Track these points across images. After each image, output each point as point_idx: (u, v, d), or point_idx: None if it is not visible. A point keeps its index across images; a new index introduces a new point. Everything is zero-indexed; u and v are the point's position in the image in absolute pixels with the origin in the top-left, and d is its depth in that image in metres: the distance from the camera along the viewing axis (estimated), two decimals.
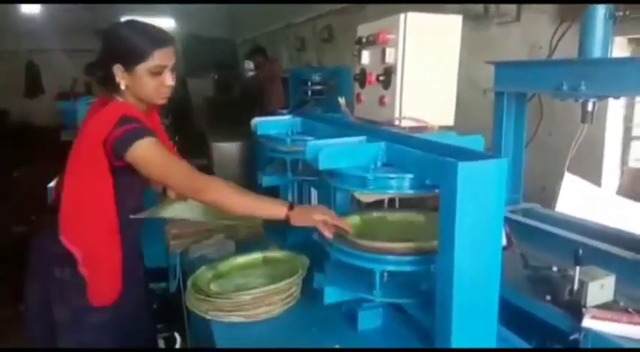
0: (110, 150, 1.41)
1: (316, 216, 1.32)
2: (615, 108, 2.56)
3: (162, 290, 2.37)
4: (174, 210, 1.79)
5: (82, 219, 1.48)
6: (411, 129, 1.56)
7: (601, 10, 1.61)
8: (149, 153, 1.40)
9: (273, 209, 1.42)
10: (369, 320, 1.32)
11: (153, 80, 1.46)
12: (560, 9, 2.55)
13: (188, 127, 6.15)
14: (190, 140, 5.57)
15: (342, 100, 1.83)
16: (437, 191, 1.06)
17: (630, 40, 2.47)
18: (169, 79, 1.49)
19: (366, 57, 1.76)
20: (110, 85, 1.49)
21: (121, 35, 1.46)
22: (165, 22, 9.26)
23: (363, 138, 1.31)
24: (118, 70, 1.45)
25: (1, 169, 5.67)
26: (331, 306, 1.32)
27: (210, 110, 6.25)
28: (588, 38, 1.64)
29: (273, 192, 2.10)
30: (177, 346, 2.16)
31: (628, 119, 2.60)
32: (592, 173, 2.48)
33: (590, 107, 1.66)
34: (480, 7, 3.08)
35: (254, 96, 5.00)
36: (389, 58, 1.60)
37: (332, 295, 1.28)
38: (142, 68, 1.44)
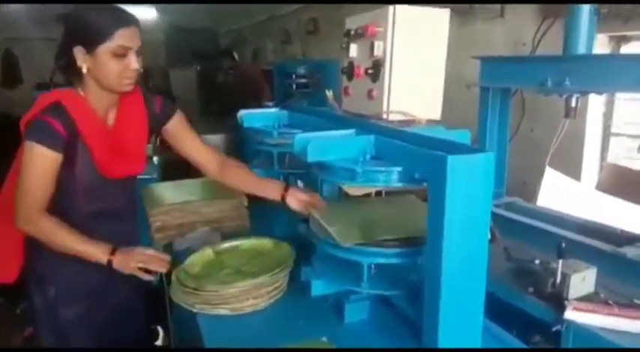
0: None
1: (132, 263, 1.39)
2: (595, 105, 2.61)
3: (144, 282, 2.35)
4: None
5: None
6: (399, 122, 1.57)
7: (586, 6, 1.63)
8: (25, 160, 1.35)
9: (95, 254, 1.39)
10: (356, 313, 1.32)
11: (116, 63, 1.35)
12: (543, 6, 2.57)
13: None
14: None
15: (329, 93, 1.83)
16: (425, 184, 1.07)
17: (611, 38, 2.52)
18: (134, 63, 1.36)
19: (354, 50, 1.75)
20: (72, 73, 1.40)
21: (81, 14, 1.36)
22: (146, 12, 9.11)
23: (351, 131, 1.31)
24: (78, 52, 1.35)
25: None
26: (318, 298, 1.33)
27: (193, 102, 6.18)
28: (573, 34, 1.66)
29: None
30: (160, 340, 2.15)
31: (607, 116, 2.65)
32: (572, 168, 2.53)
33: (573, 102, 1.68)
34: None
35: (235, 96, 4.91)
36: (377, 51, 1.60)
37: (319, 288, 1.28)
38: (103, 49, 1.33)
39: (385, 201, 1.58)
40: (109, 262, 1.38)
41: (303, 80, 3.43)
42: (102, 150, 1.42)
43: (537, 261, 1.62)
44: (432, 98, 1.66)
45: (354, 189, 1.14)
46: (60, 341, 1.52)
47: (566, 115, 1.70)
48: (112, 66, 1.35)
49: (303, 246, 1.51)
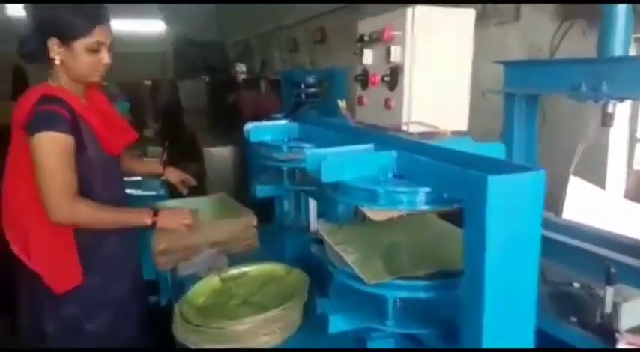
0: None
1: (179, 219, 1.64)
2: (620, 110, 2.45)
3: (152, 304, 2.25)
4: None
5: (19, 212, 1.43)
6: (420, 134, 1.43)
7: (622, 6, 1.50)
8: (38, 152, 1.34)
9: (140, 217, 1.56)
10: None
11: (90, 57, 1.42)
12: (560, 7, 2.43)
13: (179, 131, 5.98)
14: (181, 144, 5.42)
15: (342, 103, 1.70)
16: (456, 206, 0.93)
17: (635, 39, 2.37)
18: (106, 57, 1.45)
19: (368, 56, 1.62)
20: (39, 60, 1.43)
21: (61, 8, 1.38)
22: (154, 24, 9.12)
23: (370, 145, 1.16)
24: (53, 44, 1.39)
25: None
26: (336, 333, 1.18)
27: (202, 114, 6.12)
28: (608, 36, 1.53)
29: (267, 203, 1.97)
30: None
31: (633, 121, 2.50)
32: (596, 176, 2.38)
33: (610, 109, 1.54)
34: (477, 6, 2.96)
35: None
36: (395, 57, 1.47)
37: (338, 324, 1.13)
38: (80, 44, 1.39)
39: (404, 222, 1.43)
40: (154, 223, 1.57)
41: (312, 89, 3.32)
42: (101, 126, 1.50)
43: (577, 285, 1.46)
44: (456, 107, 1.52)
45: (376, 213, 1.00)
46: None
47: (604, 124, 1.56)
48: (86, 60, 1.41)
49: (316, 268, 1.37)
